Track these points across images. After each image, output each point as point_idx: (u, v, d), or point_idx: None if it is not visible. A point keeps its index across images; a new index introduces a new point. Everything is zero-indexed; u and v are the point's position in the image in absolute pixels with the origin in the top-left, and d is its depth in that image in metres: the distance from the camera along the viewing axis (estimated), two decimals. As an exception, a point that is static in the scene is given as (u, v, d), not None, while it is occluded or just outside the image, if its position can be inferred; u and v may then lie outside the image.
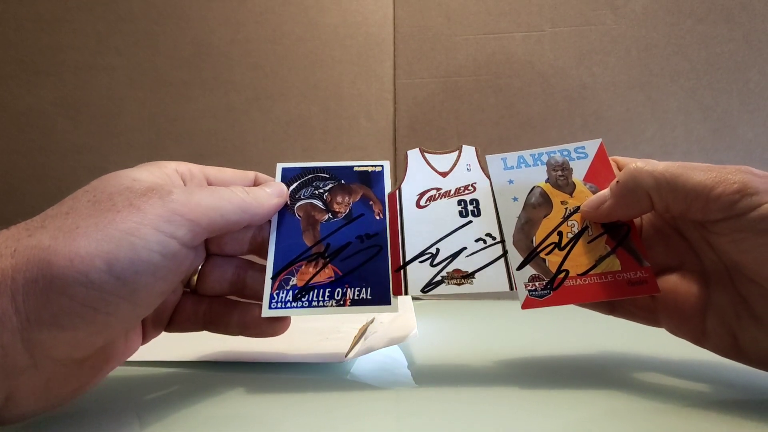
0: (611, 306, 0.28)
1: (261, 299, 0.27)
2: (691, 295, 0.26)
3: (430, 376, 0.29)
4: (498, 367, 0.30)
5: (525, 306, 0.26)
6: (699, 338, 0.26)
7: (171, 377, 0.30)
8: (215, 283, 0.28)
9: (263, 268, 0.28)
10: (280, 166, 0.31)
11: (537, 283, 0.27)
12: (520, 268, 0.27)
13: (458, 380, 0.29)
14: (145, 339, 0.27)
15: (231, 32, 0.72)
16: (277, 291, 0.27)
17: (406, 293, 0.27)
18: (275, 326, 0.28)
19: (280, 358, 0.32)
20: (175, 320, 0.28)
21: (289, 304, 0.27)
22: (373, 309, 0.27)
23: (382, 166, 0.31)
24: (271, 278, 0.27)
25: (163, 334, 0.29)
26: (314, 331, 0.38)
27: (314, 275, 0.27)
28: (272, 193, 0.28)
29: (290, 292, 0.27)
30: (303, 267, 0.28)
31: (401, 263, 0.27)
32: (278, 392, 0.27)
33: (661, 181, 0.24)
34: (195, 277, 0.28)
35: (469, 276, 0.27)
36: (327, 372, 0.30)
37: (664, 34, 0.66)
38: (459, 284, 0.27)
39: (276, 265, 0.28)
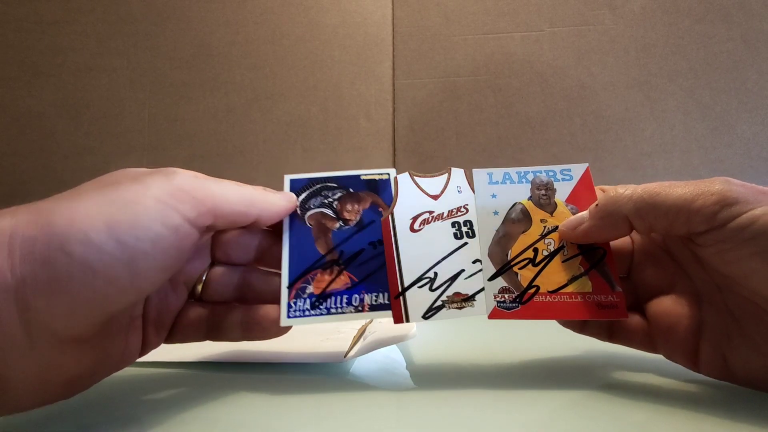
0: (609, 333, 0.28)
1: (266, 302, 0.27)
2: (684, 317, 0.25)
3: (429, 376, 0.30)
4: (497, 367, 0.31)
5: (491, 316, 0.26)
6: (694, 362, 0.25)
7: (169, 378, 0.30)
8: (221, 287, 0.28)
9: (269, 272, 0.28)
10: (287, 178, 0.31)
11: (506, 296, 0.27)
12: (492, 278, 0.27)
13: (457, 380, 0.29)
14: (146, 345, 0.26)
15: (231, 33, 0.72)
16: (294, 299, 0.27)
17: (407, 320, 0.27)
18: (278, 327, 0.28)
19: (280, 358, 0.32)
20: (177, 327, 0.28)
21: (307, 312, 0.27)
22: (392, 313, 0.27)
23: (388, 174, 0.31)
24: (287, 287, 0.27)
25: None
26: (314, 331, 0.39)
27: (330, 282, 0.28)
28: (282, 196, 0.28)
29: (308, 300, 0.27)
30: (318, 275, 0.28)
31: (400, 289, 0.27)
32: (278, 392, 0.27)
33: (641, 203, 0.24)
34: (200, 286, 0.28)
35: (469, 299, 0.27)
36: (327, 372, 0.30)
37: (662, 33, 0.66)
38: (460, 308, 0.27)
39: (291, 273, 0.28)
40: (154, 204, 0.21)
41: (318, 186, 0.30)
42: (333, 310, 0.27)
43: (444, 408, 0.24)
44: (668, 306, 0.26)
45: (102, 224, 0.20)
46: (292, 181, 0.30)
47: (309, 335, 0.38)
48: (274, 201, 0.27)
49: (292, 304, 0.27)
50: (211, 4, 0.72)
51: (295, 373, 0.30)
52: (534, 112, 0.67)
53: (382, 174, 0.31)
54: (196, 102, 0.72)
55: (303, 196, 0.30)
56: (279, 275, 0.28)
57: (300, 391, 0.27)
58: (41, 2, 0.73)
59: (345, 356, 0.31)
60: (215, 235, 0.29)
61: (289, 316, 0.27)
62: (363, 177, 0.31)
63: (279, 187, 0.30)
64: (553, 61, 0.67)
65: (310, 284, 0.28)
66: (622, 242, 0.29)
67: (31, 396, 0.21)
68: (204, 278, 0.28)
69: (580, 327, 0.28)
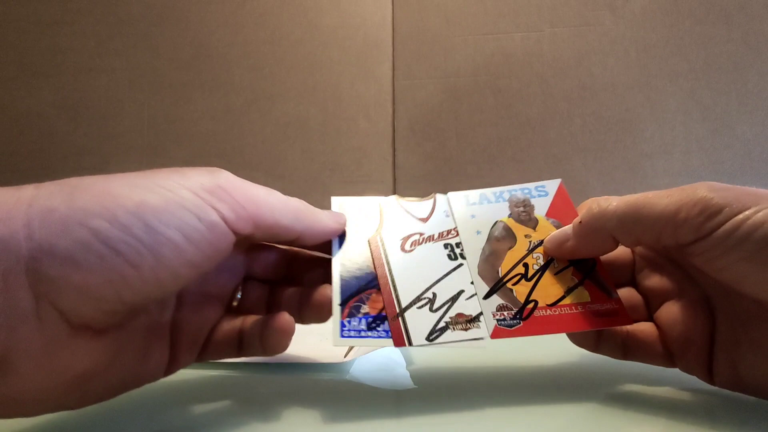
0: (624, 350, 0.27)
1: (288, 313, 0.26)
2: (697, 324, 0.24)
3: (428, 376, 0.30)
4: (499, 369, 0.30)
5: (494, 336, 0.25)
6: (708, 373, 0.25)
7: (165, 379, 0.30)
8: (256, 300, 0.27)
9: (300, 284, 0.28)
10: (335, 200, 0.30)
11: (506, 313, 0.26)
12: (486, 297, 0.26)
13: (456, 380, 0.29)
14: (175, 362, 0.24)
15: (230, 34, 0.72)
16: (348, 318, 0.26)
17: (410, 344, 0.24)
18: (283, 343, 0.26)
19: (279, 358, 0.32)
20: (211, 343, 0.26)
21: (363, 333, 0.25)
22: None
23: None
24: (340, 304, 0.26)
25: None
26: (314, 331, 0.38)
27: None
28: (330, 216, 0.27)
29: (363, 320, 0.25)
30: (374, 295, 0.26)
31: (398, 310, 0.26)
32: (277, 392, 0.27)
33: (625, 218, 0.23)
34: (236, 301, 0.27)
35: (474, 320, 0.25)
36: (327, 372, 0.30)
37: (662, 34, 0.66)
38: (466, 329, 0.25)
39: (344, 291, 0.26)
40: (189, 196, 0.20)
41: None
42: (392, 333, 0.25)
43: (443, 408, 0.24)
44: (679, 313, 0.25)
45: (131, 204, 0.19)
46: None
47: (309, 335, 0.37)
48: (322, 220, 0.26)
49: (346, 323, 0.25)
50: (211, 6, 0.72)
51: (295, 373, 0.30)
52: (534, 113, 0.67)
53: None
54: (195, 103, 0.72)
55: None
56: (299, 287, 0.27)
57: (300, 391, 0.27)
58: (41, 3, 0.74)
59: (345, 356, 0.31)
60: (250, 248, 0.27)
61: (342, 336, 0.25)
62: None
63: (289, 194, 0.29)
64: (554, 61, 0.67)
65: (364, 303, 0.26)
66: (622, 250, 0.28)
67: (37, 387, 0.19)
68: (240, 292, 0.27)
69: (595, 346, 0.27)
